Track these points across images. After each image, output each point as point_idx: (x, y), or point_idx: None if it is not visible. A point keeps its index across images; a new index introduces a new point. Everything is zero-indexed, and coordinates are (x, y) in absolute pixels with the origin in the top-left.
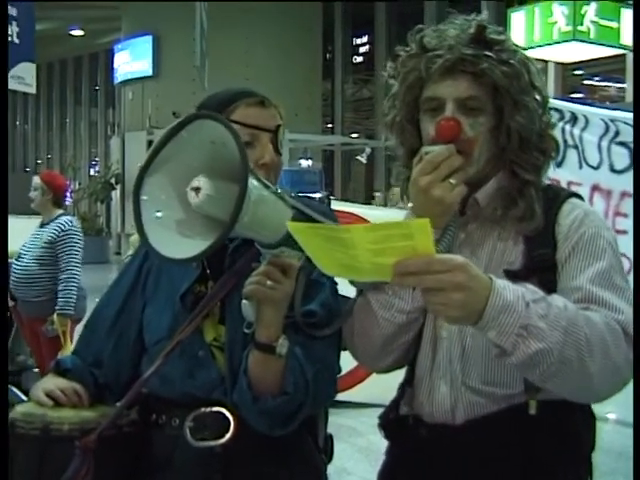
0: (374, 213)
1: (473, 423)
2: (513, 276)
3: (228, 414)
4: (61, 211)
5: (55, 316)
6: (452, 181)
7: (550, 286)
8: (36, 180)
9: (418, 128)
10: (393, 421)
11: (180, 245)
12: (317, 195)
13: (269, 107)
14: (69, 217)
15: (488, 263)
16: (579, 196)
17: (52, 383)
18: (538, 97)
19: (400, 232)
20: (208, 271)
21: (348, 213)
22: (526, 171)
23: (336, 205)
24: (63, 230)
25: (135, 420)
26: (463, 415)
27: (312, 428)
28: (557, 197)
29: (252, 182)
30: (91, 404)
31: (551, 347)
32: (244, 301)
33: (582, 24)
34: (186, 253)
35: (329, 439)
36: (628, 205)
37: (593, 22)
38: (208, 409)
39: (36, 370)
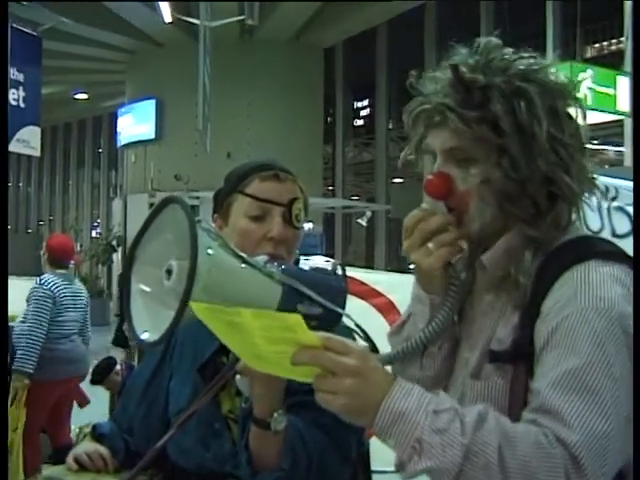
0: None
1: None
2: (496, 359)
3: None
4: (61, 272)
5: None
6: (429, 245)
7: None
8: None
9: None
10: None
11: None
12: (327, 264)
13: (285, 181)
14: (44, 276)
15: (487, 340)
16: (615, 256)
17: (82, 447)
18: (546, 129)
19: (280, 324)
20: None
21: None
22: (527, 225)
23: (357, 273)
24: (32, 288)
25: None
26: None
27: None
28: (568, 258)
29: (226, 257)
30: (118, 470)
31: (445, 467)
32: (237, 376)
33: (579, 91)
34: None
35: None
36: None
37: (590, 89)
38: None
39: None
